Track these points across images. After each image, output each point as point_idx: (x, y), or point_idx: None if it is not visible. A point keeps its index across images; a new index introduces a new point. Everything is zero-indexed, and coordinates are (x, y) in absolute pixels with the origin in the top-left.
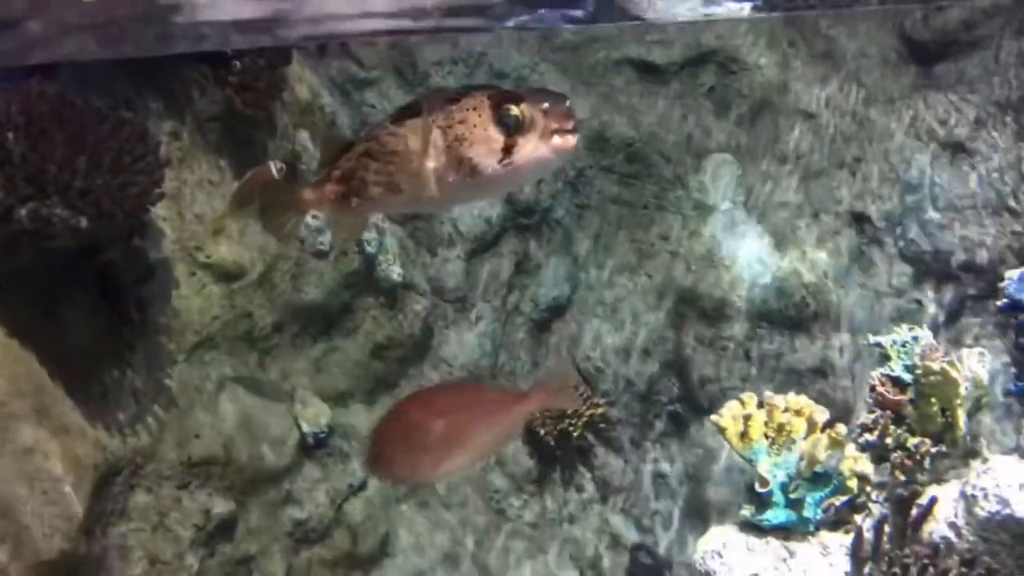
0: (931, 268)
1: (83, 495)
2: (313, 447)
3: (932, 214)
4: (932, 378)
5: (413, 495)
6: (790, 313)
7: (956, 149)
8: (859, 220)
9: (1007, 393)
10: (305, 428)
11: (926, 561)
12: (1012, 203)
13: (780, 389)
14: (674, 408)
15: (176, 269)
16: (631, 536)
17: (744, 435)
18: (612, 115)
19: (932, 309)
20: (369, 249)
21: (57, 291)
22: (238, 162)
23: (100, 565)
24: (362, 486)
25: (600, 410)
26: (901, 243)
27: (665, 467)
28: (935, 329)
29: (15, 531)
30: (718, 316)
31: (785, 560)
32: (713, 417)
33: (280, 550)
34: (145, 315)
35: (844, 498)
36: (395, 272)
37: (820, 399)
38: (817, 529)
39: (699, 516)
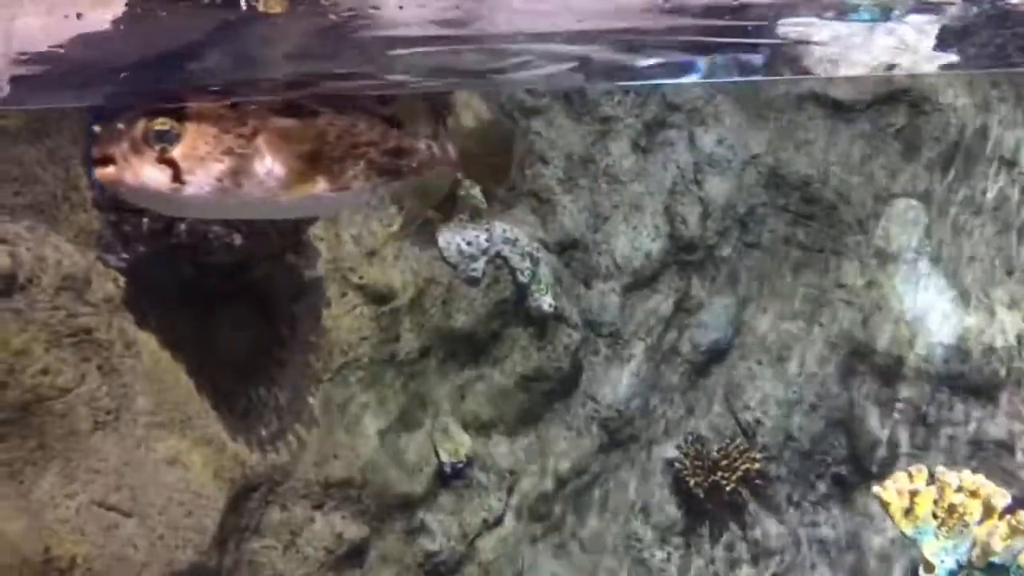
0: None
1: (219, 508)
2: (451, 477)
3: None
4: None
5: (552, 533)
6: (975, 378)
7: None
8: None
9: None
10: (444, 457)
11: None
12: None
13: (959, 461)
14: (839, 470)
15: (329, 289)
16: None
17: (910, 512)
18: (790, 152)
19: None
20: (522, 278)
21: (212, 305)
22: None
23: None
24: (498, 521)
25: (757, 465)
26: None
27: (825, 532)
28: None
29: (150, 540)
30: (894, 374)
31: None
32: (875, 489)
33: None
34: (295, 332)
35: None
36: (547, 303)
37: (1003, 477)
38: None
39: None
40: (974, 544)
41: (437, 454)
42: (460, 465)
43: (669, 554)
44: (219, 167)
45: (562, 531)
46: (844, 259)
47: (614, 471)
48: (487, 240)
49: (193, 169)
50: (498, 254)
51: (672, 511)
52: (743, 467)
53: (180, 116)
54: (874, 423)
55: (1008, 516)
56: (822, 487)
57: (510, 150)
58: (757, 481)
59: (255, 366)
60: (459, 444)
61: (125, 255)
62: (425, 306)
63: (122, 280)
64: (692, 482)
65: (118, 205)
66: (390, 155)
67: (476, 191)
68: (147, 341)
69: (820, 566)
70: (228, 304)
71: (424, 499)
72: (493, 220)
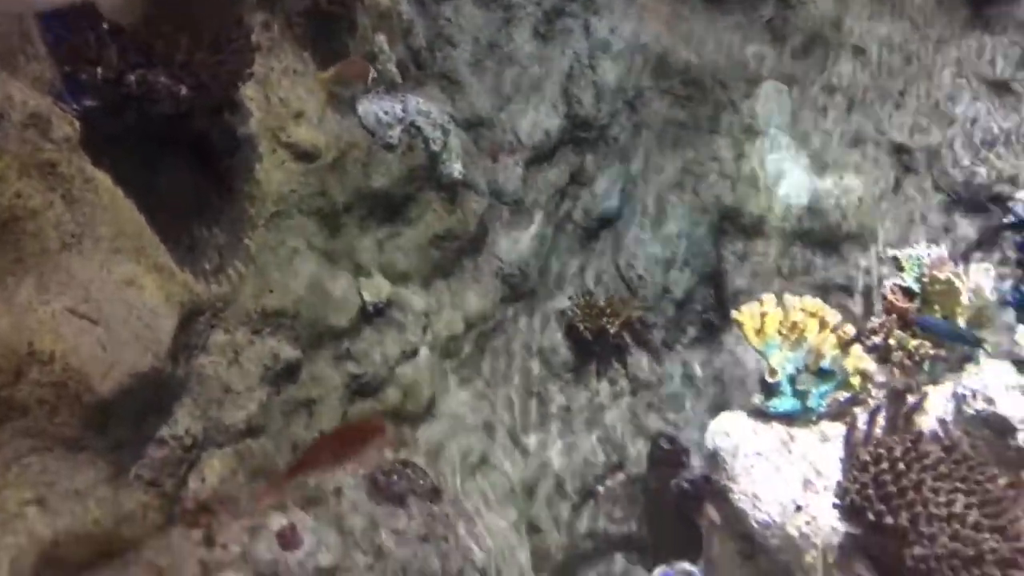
0: (962, 197)
1: (172, 325)
2: (372, 315)
3: (969, 148)
4: (937, 286)
5: (460, 368)
6: (824, 234)
7: (999, 88)
8: (899, 151)
9: (1004, 302)
10: (367, 297)
11: (909, 445)
12: None
13: None
14: (707, 316)
15: (260, 145)
16: (655, 426)
17: (760, 331)
18: (675, 41)
19: (960, 236)
20: (434, 147)
21: (157, 152)
22: (320, 56)
23: (183, 386)
24: (414, 353)
25: (638, 313)
26: (937, 174)
27: (694, 369)
28: (963, 255)
29: (116, 345)
30: (756, 233)
31: (786, 443)
32: (733, 312)
33: (338, 398)
34: (232, 182)
35: (847, 394)
36: (456, 170)
37: (844, 314)
38: (819, 419)
39: (719, 412)
40: (809, 352)
41: (360, 295)
42: (381, 305)
43: (561, 387)
44: None
45: (469, 367)
46: (718, 135)
47: (515, 319)
48: (402, 111)
49: None
50: (412, 124)
51: (564, 352)
52: (625, 314)
53: None
54: (738, 276)
55: (838, 330)
56: (692, 331)
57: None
58: (638, 327)
59: (196, 210)
60: (380, 288)
61: (77, 104)
62: (347, 167)
63: (78, 124)
64: (582, 327)
65: (72, 56)
66: None
67: (391, 66)
68: (102, 179)
69: (689, 396)
70: (171, 153)
71: (349, 331)
72: (407, 94)
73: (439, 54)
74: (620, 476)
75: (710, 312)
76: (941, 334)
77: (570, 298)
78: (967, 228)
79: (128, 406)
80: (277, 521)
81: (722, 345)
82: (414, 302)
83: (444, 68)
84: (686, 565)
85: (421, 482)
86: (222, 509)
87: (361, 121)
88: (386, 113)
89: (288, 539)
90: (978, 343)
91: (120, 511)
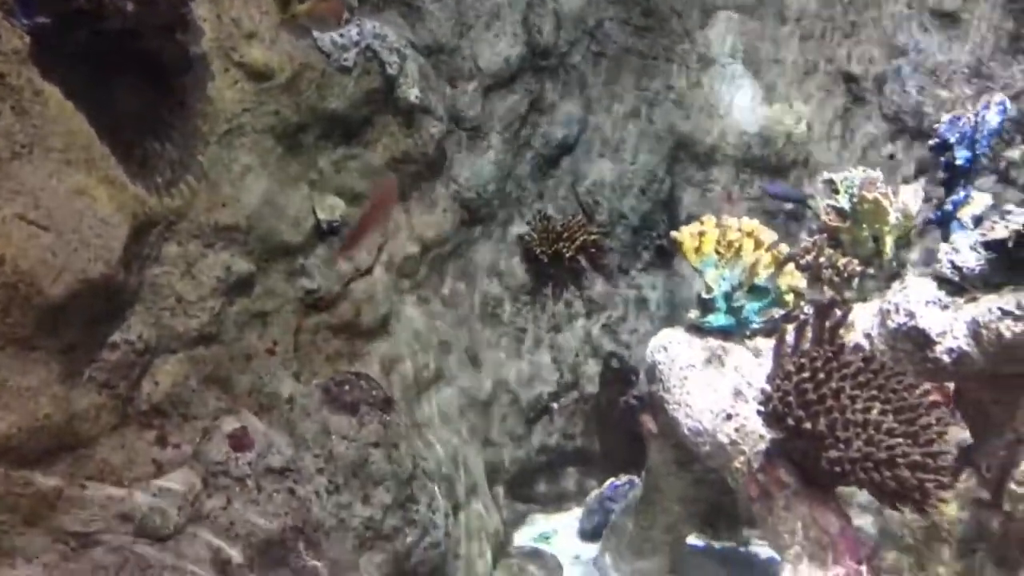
0: (907, 126)
1: (123, 235)
2: (327, 233)
3: (915, 77)
4: (866, 206)
5: (417, 288)
6: (773, 160)
7: (946, 19)
8: (848, 80)
9: (927, 222)
10: (321, 215)
11: (831, 355)
12: (986, 69)
13: None
14: (661, 243)
15: (213, 64)
16: (608, 346)
17: (698, 249)
18: None
19: (904, 163)
20: (390, 71)
21: (107, 68)
22: None
23: (135, 295)
24: (369, 271)
25: (593, 237)
26: (883, 102)
27: (647, 292)
28: (906, 181)
29: (66, 252)
30: (708, 160)
31: (720, 356)
32: (673, 232)
33: (292, 311)
34: (183, 100)
35: (781, 311)
36: (414, 94)
37: (790, 238)
38: (753, 335)
39: None
40: (744, 270)
41: (315, 213)
42: (336, 224)
43: (518, 309)
44: None
45: (426, 287)
46: (674, 64)
47: (472, 242)
48: (358, 34)
49: None
50: (368, 47)
51: (521, 275)
52: (581, 239)
53: None
54: (690, 202)
55: (772, 249)
56: (646, 256)
57: None
58: (593, 251)
59: (149, 127)
60: (335, 207)
61: (28, 20)
62: (301, 88)
63: (28, 39)
64: (539, 251)
65: None
66: None
67: None
68: (52, 92)
69: (641, 319)
70: (123, 70)
71: (303, 248)
72: (364, 18)
73: None
74: (574, 394)
75: (664, 237)
76: (779, 196)
77: (528, 223)
78: (912, 155)
79: (80, 311)
80: (229, 424)
81: (674, 269)
82: None
83: None
84: (634, 478)
85: (374, 392)
86: (175, 412)
87: (316, 43)
88: (341, 36)
89: (239, 441)
90: (803, 200)
91: (73, 409)
